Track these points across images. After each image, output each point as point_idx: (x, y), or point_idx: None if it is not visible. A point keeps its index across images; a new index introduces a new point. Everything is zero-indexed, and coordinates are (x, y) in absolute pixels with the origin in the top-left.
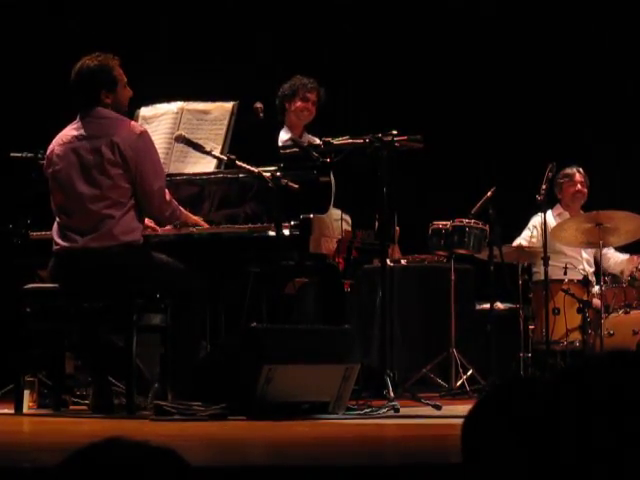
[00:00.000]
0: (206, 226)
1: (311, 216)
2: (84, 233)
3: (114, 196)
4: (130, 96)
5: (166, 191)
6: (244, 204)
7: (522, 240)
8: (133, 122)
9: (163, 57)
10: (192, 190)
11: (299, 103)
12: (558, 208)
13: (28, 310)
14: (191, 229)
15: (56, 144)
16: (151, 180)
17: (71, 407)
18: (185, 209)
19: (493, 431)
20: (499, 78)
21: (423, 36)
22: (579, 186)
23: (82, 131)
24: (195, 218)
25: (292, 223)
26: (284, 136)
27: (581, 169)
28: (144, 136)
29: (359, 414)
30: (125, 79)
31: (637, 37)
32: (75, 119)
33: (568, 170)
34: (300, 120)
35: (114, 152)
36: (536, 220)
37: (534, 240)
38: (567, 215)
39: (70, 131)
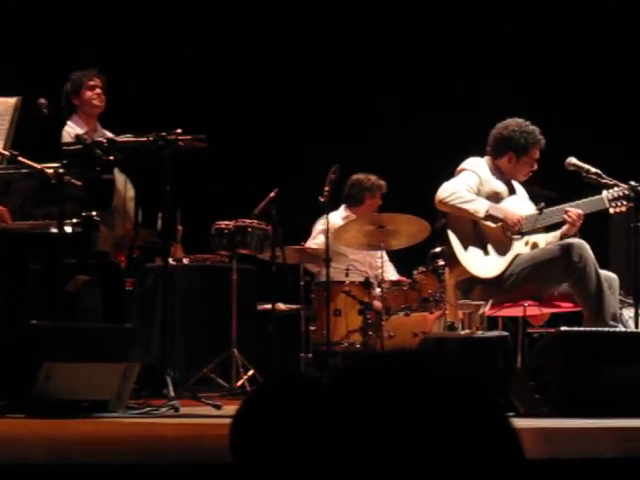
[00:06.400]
0: None
1: (94, 213)
2: None
3: None
4: None
5: None
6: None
7: (314, 245)
8: None
9: None
10: None
11: (87, 93)
12: (344, 211)
13: None
14: None
15: None
16: None
17: None
18: None
19: (259, 430)
20: (284, 78)
21: (206, 36)
22: (380, 201)
23: None
24: None
25: (75, 220)
26: (70, 131)
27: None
28: None
29: (139, 413)
30: None
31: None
32: None
33: (377, 180)
34: (93, 109)
35: None
36: (321, 224)
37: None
38: (353, 217)
39: None
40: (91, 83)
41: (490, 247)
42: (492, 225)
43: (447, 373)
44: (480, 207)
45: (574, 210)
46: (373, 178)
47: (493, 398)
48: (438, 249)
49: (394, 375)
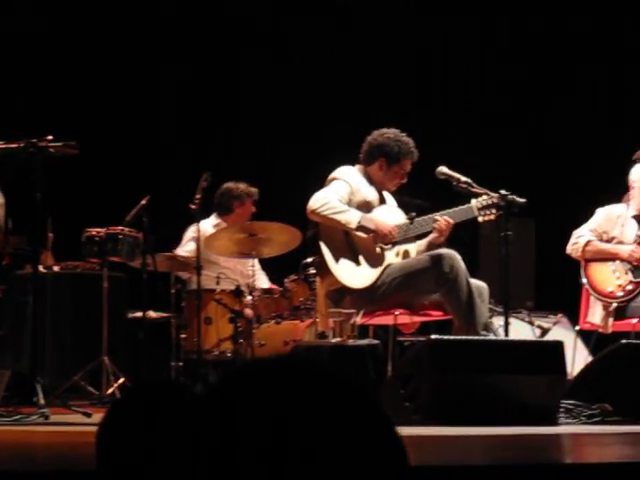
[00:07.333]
0: None
1: None
2: None
3: None
4: None
5: None
6: None
7: (184, 253)
8: None
9: None
10: None
11: None
12: (216, 218)
13: None
14: None
15: None
16: None
17: None
18: None
19: (124, 437)
20: (154, 84)
21: (80, 40)
22: (254, 208)
23: None
24: None
25: None
26: None
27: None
28: None
29: (8, 421)
30: None
31: None
32: None
33: (248, 188)
34: None
35: None
36: (193, 230)
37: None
38: (224, 225)
39: None
40: None
41: (361, 257)
42: (363, 236)
43: (331, 381)
44: (352, 218)
45: (443, 219)
46: (242, 186)
47: (377, 405)
48: (310, 259)
49: (275, 382)
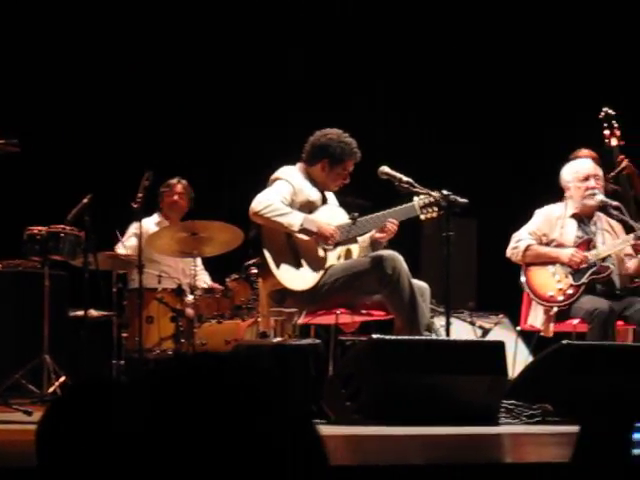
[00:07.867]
0: None
1: None
2: None
3: None
4: None
5: None
6: None
7: (125, 248)
8: None
9: None
10: None
11: None
12: (158, 217)
13: None
14: None
15: None
16: None
17: None
18: None
19: (63, 434)
20: (96, 82)
21: (20, 37)
22: (176, 197)
23: None
24: None
25: None
26: None
27: (184, 181)
28: None
29: None
30: None
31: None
32: None
33: (170, 180)
34: None
35: None
36: (135, 227)
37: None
38: (167, 224)
39: None
40: None
41: (303, 260)
42: (306, 238)
43: (251, 378)
44: (294, 221)
45: (390, 221)
46: (168, 181)
47: (299, 404)
48: (252, 260)
49: (197, 381)
